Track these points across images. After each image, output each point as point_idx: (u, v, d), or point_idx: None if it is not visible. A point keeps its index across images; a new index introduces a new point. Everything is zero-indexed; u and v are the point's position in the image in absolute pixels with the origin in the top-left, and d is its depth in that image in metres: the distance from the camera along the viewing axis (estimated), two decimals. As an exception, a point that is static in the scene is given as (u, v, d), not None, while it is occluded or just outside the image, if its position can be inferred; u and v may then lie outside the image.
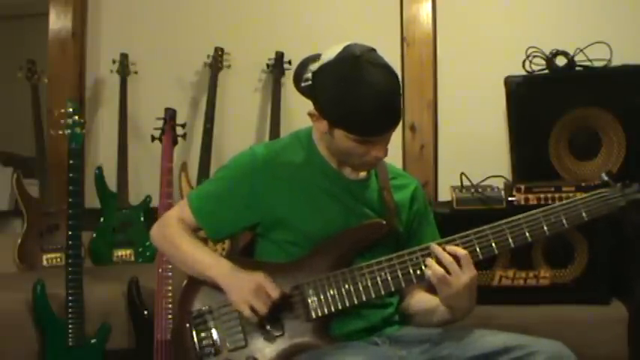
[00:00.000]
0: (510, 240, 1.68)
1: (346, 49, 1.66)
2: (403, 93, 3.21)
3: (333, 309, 1.69)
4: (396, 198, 1.84)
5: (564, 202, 1.71)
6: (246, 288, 1.69)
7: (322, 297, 1.70)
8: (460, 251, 1.65)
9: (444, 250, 1.66)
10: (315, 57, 1.72)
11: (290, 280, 1.73)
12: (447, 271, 1.64)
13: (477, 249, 1.68)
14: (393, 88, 1.66)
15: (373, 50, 1.68)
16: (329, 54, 1.67)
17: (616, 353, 2.41)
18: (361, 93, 1.61)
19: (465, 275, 1.64)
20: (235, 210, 1.79)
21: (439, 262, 1.65)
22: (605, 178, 1.77)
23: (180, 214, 1.86)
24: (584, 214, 1.70)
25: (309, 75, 1.70)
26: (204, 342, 1.74)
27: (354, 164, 1.77)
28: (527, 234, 1.68)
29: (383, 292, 1.70)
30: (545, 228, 1.68)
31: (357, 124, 1.65)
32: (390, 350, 1.72)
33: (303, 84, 1.72)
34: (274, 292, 1.68)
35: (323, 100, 1.68)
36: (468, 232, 1.70)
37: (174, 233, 1.83)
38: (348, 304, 1.69)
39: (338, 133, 1.68)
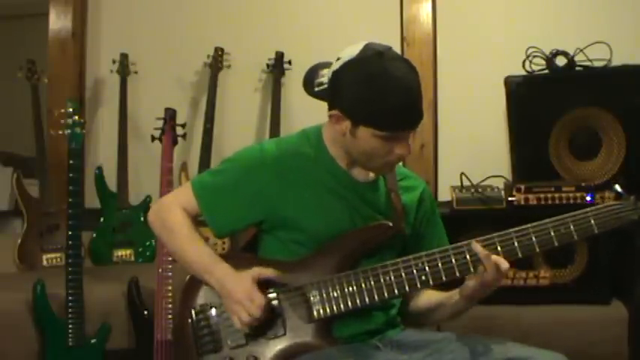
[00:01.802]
0: (518, 249, 1.66)
1: (368, 46, 1.66)
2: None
3: (335, 310, 1.68)
4: (404, 200, 1.82)
5: (575, 212, 1.68)
6: (233, 298, 1.68)
7: (325, 298, 1.69)
8: (504, 263, 1.64)
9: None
10: (326, 64, 1.72)
11: (294, 279, 1.72)
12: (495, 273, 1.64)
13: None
14: (418, 82, 1.67)
15: (391, 47, 1.69)
16: (349, 53, 1.66)
17: (616, 353, 2.41)
18: (391, 88, 1.61)
19: (498, 282, 1.66)
20: (240, 205, 1.77)
21: (490, 262, 1.64)
22: (619, 190, 1.75)
23: (181, 200, 1.82)
24: (594, 227, 1.67)
25: (324, 79, 1.70)
26: (206, 338, 1.73)
27: (375, 166, 1.75)
28: (536, 244, 1.66)
29: (387, 296, 1.68)
30: (554, 239, 1.66)
31: (387, 118, 1.63)
32: (391, 354, 1.71)
33: (317, 88, 1.72)
34: (260, 301, 1.67)
35: (349, 99, 1.66)
36: (477, 240, 1.67)
37: (175, 224, 1.80)
38: (351, 306, 1.68)
39: (363, 132, 1.66)
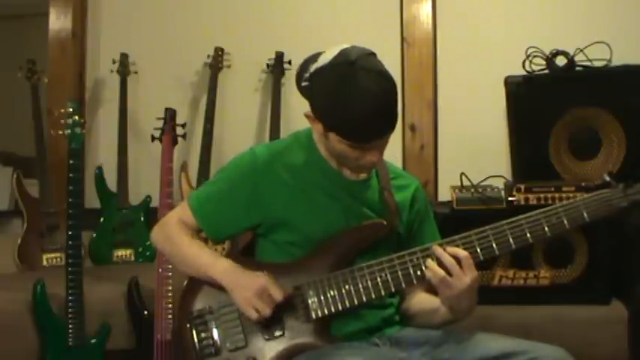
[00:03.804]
0: (512, 241, 1.67)
1: (342, 53, 1.65)
2: (403, 93, 3.21)
3: (333, 309, 1.69)
4: (397, 198, 1.83)
5: (565, 202, 1.70)
6: (249, 289, 1.68)
7: (322, 297, 1.70)
8: (461, 252, 1.64)
9: (445, 251, 1.66)
10: (317, 56, 1.71)
11: (291, 281, 1.72)
12: (449, 273, 1.64)
13: (478, 250, 1.67)
14: (387, 94, 1.63)
15: (371, 54, 1.67)
16: (326, 56, 1.67)
17: (616, 353, 2.41)
18: (352, 99, 1.60)
19: (466, 277, 1.63)
20: (235, 211, 1.79)
21: (440, 264, 1.65)
22: (607, 179, 1.75)
23: (180, 215, 1.86)
24: (585, 215, 1.68)
25: (308, 75, 1.70)
26: (205, 342, 1.74)
27: (350, 167, 1.77)
28: (529, 235, 1.67)
29: (383, 293, 1.69)
30: (547, 229, 1.67)
31: (348, 130, 1.64)
32: (390, 352, 1.71)
33: (303, 84, 1.72)
34: (278, 295, 1.68)
35: (317, 104, 1.68)
36: (469, 233, 1.69)
37: (175, 234, 1.83)
38: (348, 305, 1.69)
39: (332, 136, 1.68)
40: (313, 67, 1.68)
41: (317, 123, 1.70)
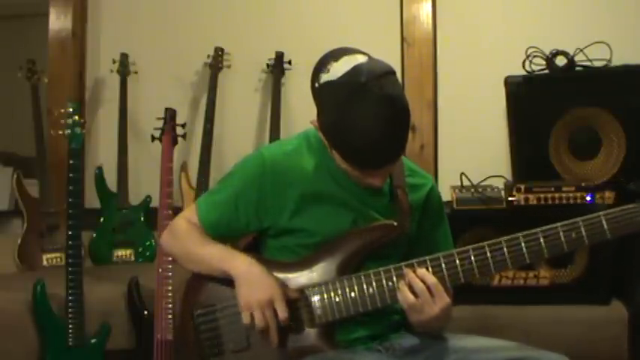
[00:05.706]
0: (526, 255, 1.62)
1: (354, 70, 1.57)
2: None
3: (337, 316, 1.67)
4: (411, 198, 1.78)
5: (586, 217, 1.61)
6: (256, 296, 1.65)
7: (327, 303, 1.67)
8: (430, 279, 1.59)
9: (416, 273, 1.60)
10: (338, 53, 1.64)
11: (297, 280, 1.70)
12: (417, 297, 1.59)
13: (491, 263, 1.62)
14: (394, 122, 1.56)
15: (385, 75, 1.57)
16: (338, 69, 1.60)
17: (616, 353, 2.41)
18: (355, 125, 1.54)
19: (435, 306, 1.59)
20: (242, 218, 1.76)
21: (411, 288, 1.60)
22: (633, 189, 1.68)
23: (188, 217, 1.83)
24: (607, 232, 1.60)
25: (324, 77, 1.64)
26: (207, 342, 1.72)
27: (355, 181, 1.71)
28: (545, 250, 1.61)
29: (389, 301, 1.66)
30: (565, 245, 1.61)
31: (349, 154, 1.60)
32: (393, 359, 1.70)
33: (316, 84, 1.65)
34: (282, 313, 1.64)
35: (322, 119, 1.63)
36: (481, 244, 1.64)
37: (183, 233, 1.81)
38: (353, 312, 1.66)
39: (336, 152, 1.64)
40: (323, 79, 1.62)
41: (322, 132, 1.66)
